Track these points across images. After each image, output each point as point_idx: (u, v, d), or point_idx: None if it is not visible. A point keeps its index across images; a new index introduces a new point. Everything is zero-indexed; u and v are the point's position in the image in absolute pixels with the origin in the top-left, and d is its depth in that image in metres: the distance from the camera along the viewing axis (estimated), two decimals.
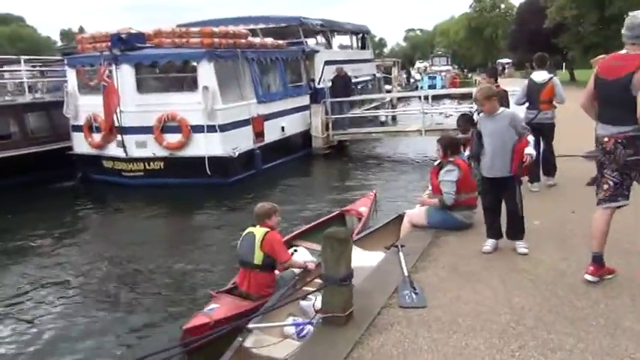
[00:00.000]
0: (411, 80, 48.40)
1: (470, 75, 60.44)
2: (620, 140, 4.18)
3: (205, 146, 12.59)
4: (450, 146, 6.23)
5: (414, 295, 4.45)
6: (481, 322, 3.96)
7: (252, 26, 17.20)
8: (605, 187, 4.41)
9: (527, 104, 7.86)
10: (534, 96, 7.74)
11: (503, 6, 72.18)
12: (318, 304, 4.19)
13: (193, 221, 10.81)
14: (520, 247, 5.36)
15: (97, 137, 13.42)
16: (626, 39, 4.17)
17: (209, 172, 12.44)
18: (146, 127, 12.72)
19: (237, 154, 12.88)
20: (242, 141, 13.32)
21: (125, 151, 12.86)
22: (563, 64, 49.72)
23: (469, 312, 4.13)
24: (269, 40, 15.97)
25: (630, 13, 4.26)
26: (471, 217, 6.29)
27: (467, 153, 6.63)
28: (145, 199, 12.19)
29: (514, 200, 5.32)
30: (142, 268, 8.14)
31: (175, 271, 8.00)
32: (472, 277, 4.83)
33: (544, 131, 7.80)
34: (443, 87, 37.06)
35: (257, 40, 15.54)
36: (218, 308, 5.62)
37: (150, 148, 12.84)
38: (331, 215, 8.68)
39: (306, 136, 16.60)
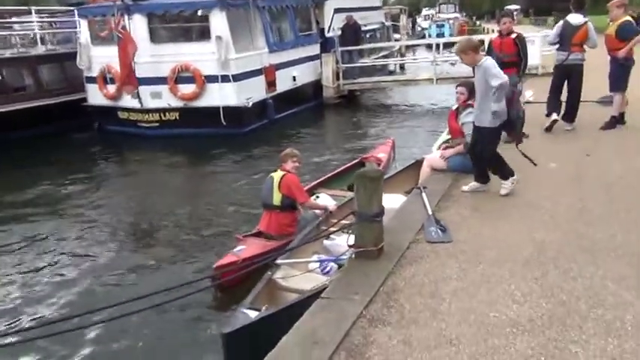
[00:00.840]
0: (418, 28, 47.56)
1: (478, 22, 59.22)
2: None
3: (219, 96, 12.71)
4: (473, 90, 6.37)
5: (439, 231, 4.72)
6: (505, 255, 4.23)
7: None
8: None
9: (557, 45, 8.06)
10: (567, 38, 7.89)
11: None
12: (351, 241, 4.45)
13: (212, 170, 11.04)
14: (502, 188, 5.56)
15: (111, 88, 13.53)
16: None
17: (224, 122, 12.61)
18: (160, 78, 12.81)
19: (250, 103, 13.00)
20: (255, 91, 13.41)
21: (140, 102, 12.98)
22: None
23: (493, 246, 4.40)
24: None
25: None
26: None
27: None
28: (163, 150, 12.41)
29: (481, 150, 5.51)
30: (165, 215, 8.40)
31: (198, 218, 8.26)
32: (493, 215, 5.09)
33: (572, 73, 8.02)
34: (451, 35, 36.42)
35: None
36: (245, 249, 5.96)
37: (165, 98, 12.97)
38: (352, 163, 8.92)
39: (316, 85, 16.61)
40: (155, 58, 12.80)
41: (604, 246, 4.26)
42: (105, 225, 8.13)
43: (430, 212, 5.16)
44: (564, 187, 5.70)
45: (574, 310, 3.40)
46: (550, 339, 3.13)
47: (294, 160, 6.22)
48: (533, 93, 10.74)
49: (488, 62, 5.29)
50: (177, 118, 13.01)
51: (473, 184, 5.75)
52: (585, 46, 7.91)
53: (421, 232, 4.77)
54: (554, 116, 8.15)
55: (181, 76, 12.84)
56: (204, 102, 12.87)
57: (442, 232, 4.73)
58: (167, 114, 13.05)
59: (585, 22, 7.89)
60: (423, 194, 5.62)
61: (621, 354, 2.96)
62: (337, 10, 18.28)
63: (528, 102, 10.17)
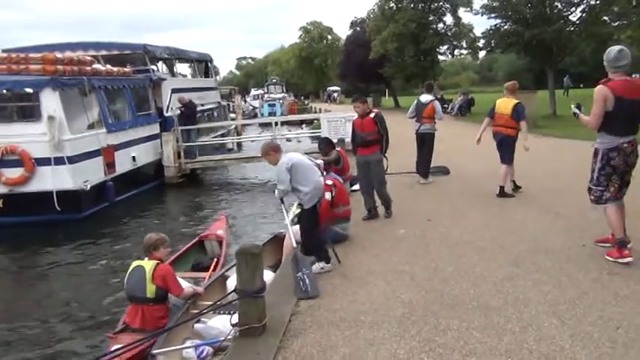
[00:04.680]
0: (249, 108, 49.28)
1: (307, 102, 63.28)
2: (635, 145, 5.31)
3: (53, 180, 11.81)
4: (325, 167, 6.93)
5: (308, 286, 5.06)
6: (380, 317, 4.55)
7: (92, 52, 16.52)
8: (612, 189, 5.38)
9: (415, 118, 10.33)
10: (419, 112, 10.22)
11: (330, 37, 77.17)
12: (234, 320, 4.44)
13: (50, 261, 9.97)
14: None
15: None
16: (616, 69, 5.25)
17: (58, 208, 11.70)
18: None
19: (88, 187, 12.29)
20: (93, 173, 12.76)
21: None
22: (386, 90, 54.84)
23: (368, 310, 4.71)
24: (115, 68, 15.49)
25: (619, 49, 5.28)
26: (347, 229, 6.99)
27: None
28: None
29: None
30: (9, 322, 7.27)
31: (48, 320, 7.31)
32: (361, 281, 5.45)
33: (425, 140, 10.21)
34: (282, 114, 38.37)
35: (102, 67, 15.01)
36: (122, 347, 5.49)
37: None
38: (191, 243, 8.64)
39: (158, 165, 16.33)
40: None
41: (462, 300, 4.80)
42: None
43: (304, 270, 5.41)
44: (416, 251, 6.32)
45: None
46: None
47: (166, 246, 5.90)
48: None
49: (279, 166, 5.84)
50: (1, 205, 11.78)
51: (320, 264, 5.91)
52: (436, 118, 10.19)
53: (300, 304, 4.93)
54: (422, 180, 10.40)
55: (6, 159, 11.76)
56: (34, 187, 11.83)
57: (310, 285, 5.11)
58: None
59: (432, 100, 10.28)
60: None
61: None
62: (175, 90, 18.39)
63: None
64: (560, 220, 7.29)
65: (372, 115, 7.87)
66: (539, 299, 4.69)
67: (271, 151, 5.99)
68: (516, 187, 9.08)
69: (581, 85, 44.14)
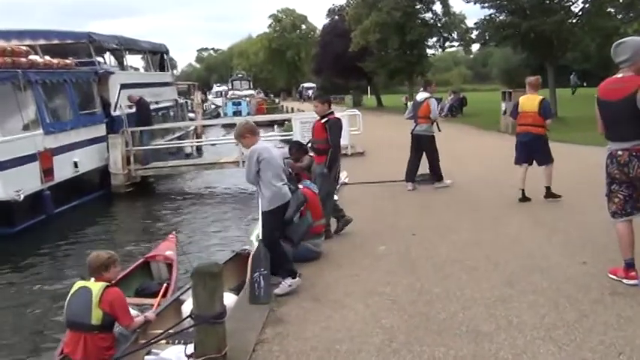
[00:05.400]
0: (211, 107, 49.15)
1: (277, 100, 63.22)
2: (634, 153, 5.21)
3: None
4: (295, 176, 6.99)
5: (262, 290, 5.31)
6: (357, 345, 4.59)
7: (28, 42, 16.28)
8: (617, 200, 5.41)
9: (413, 118, 10.82)
10: (415, 111, 10.77)
11: (304, 27, 77.57)
12: (189, 350, 4.43)
13: None
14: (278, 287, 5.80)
15: None
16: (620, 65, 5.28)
17: None
18: None
19: (22, 197, 12.11)
20: (27, 181, 12.57)
21: None
22: (368, 88, 55.18)
23: (343, 338, 4.74)
24: (54, 59, 15.32)
25: (616, 42, 5.35)
26: (320, 246, 7.02)
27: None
28: None
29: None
30: None
31: None
32: (336, 304, 5.48)
33: (421, 142, 10.67)
34: (249, 114, 38.30)
35: (40, 58, 14.83)
36: None
37: None
38: (135, 265, 8.41)
39: (103, 172, 16.18)
40: None
41: (449, 325, 4.87)
42: None
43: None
44: (399, 270, 6.39)
45: None
46: None
47: (117, 265, 5.78)
48: (347, 174, 11.92)
49: (250, 152, 5.87)
50: None
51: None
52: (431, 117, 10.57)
53: (265, 332, 4.94)
54: (410, 186, 10.69)
55: None
56: None
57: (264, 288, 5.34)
58: None
59: (427, 98, 10.71)
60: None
61: None
62: (124, 86, 18.27)
63: (344, 183, 11.28)
64: (559, 234, 7.44)
65: (324, 119, 7.81)
66: (534, 323, 4.78)
67: (247, 134, 5.95)
68: (524, 198, 9.24)
69: (585, 84, 45.08)
